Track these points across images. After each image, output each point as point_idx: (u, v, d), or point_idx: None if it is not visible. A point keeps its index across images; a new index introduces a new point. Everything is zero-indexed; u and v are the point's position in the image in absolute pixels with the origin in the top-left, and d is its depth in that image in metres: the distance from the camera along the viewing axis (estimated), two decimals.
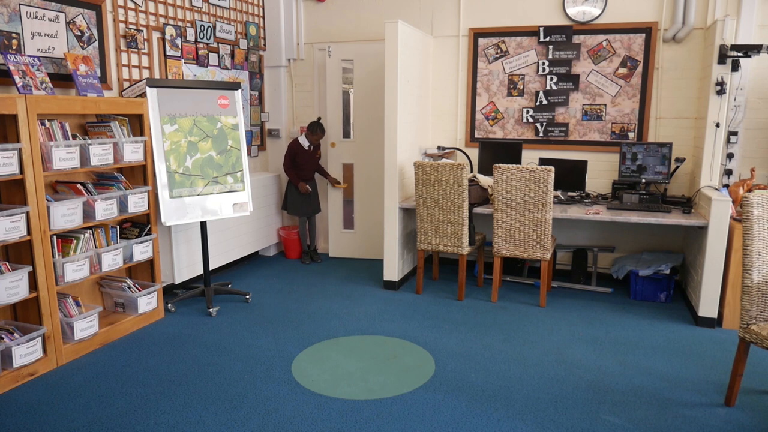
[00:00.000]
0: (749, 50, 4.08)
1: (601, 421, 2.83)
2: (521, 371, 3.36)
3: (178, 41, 4.63)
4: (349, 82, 5.74)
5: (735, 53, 4.16)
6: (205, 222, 4.43)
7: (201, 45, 4.87)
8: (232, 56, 5.28)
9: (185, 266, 4.61)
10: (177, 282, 4.56)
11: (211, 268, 4.69)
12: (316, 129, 5.42)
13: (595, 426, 2.78)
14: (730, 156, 4.60)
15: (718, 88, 4.25)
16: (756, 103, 4.56)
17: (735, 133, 4.55)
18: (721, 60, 4.23)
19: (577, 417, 2.86)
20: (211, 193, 4.31)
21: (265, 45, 5.75)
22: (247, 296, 4.56)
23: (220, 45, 5.10)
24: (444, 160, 4.79)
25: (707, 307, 4.06)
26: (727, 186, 4.52)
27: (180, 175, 4.13)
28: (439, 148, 5.37)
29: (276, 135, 5.90)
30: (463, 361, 3.49)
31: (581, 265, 5.04)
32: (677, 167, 4.73)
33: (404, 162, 4.79)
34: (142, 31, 4.30)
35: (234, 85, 4.50)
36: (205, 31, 4.89)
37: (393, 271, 4.83)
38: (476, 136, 5.39)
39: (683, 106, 4.79)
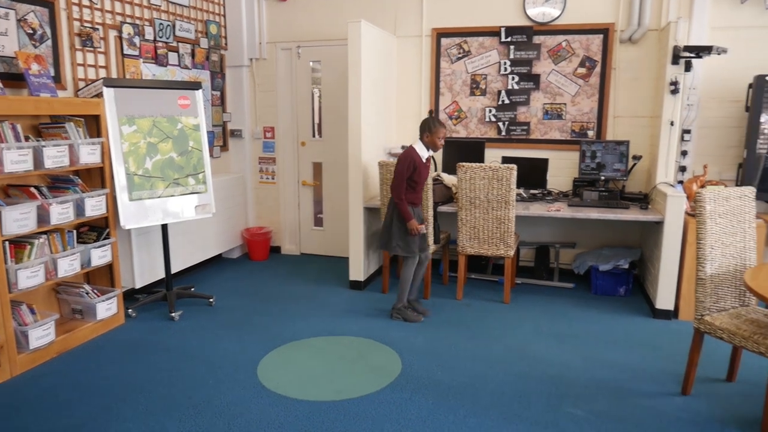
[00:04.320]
0: (701, 51, 4.21)
1: (564, 413, 2.89)
2: (486, 367, 3.40)
3: (136, 40, 4.52)
4: (317, 82, 5.73)
5: (687, 54, 4.29)
6: (166, 225, 4.34)
7: (160, 44, 4.77)
8: (193, 55, 5.19)
9: (146, 270, 4.51)
10: (138, 286, 4.46)
11: (173, 272, 4.60)
12: (436, 126, 3.97)
13: (559, 419, 2.83)
14: (684, 153, 4.74)
15: (672, 87, 4.38)
16: (708, 102, 4.71)
17: (688, 131, 4.70)
18: (675, 60, 4.36)
19: (541, 410, 2.91)
20: (172, 195, 4.23)
21: (226, 44, 5.67)
22: (211, 299, 4.49)
23: (180, 44, 5.00)
24: None
25: (664, 300, 4.19)
26: (681, 182, 4.66)
27: (139, 177, 4.04)
28: (403, 147, 5.38)
29: (239, 135, 5.83)
30: (429, 358, 3.51)
31: (544, 261, 5.13)
32: (634, 164, 4.86)
33: (369, 162, 4.79)
34: (98, 29, 4.19)
35: (195, 85, 4.42)
36: (164, 30, 4.79)
37: (358, 271, 4.83)
38: None
39: (639, 105, 4.93)
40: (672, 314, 4.21)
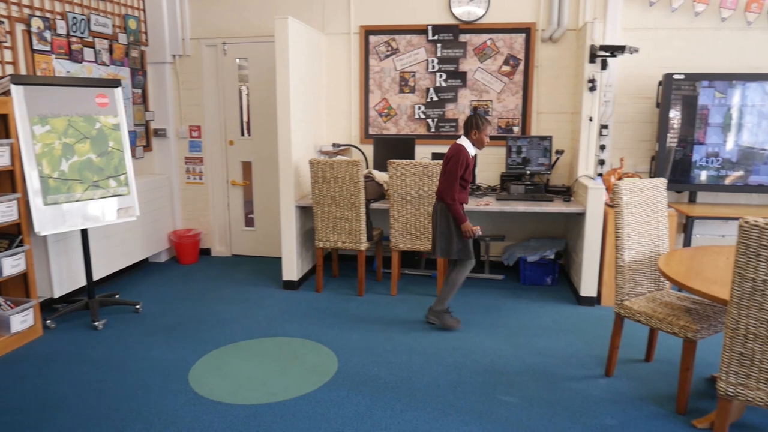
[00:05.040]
0: (615, 50, 4.44)
1: (498, 401, 2.97)
2: (422, 361, 3.45)
3: (47, 34, 4.26)
4: (244, 79, 5.60)
5: (603, 53, 4.51)
6: (86, 230, 4.12)
7: (74, 39, 4.52)
8: (111, 51, 4.95)
9: (65, 278, 4.27)
10: (57, 296, 4.21)
11: (95, 279, 4.38)
12: (484, 123, 3.77)
13: (492, 407, 2.92)
14: (602, 147, 4.98)
15: (590, 85, 4.59)
16: (623, 98, 4.98)
17: (606, 126, 4.94)
18: (592, 59, 4.57)
19: (476, 400, 2.99)
20: (91, 199, 4.02)
21: (147, 40, 5.45)
22: (138, 306, 4.30)
23: (96, 39, 4.75)
24: (339, 157, 4.80)
25: (588, 288, 4.39)
26: (600, 175, 4.90)
27: (55, 180, 3.81)
28: (334, 145, 5.37)
29: (163, 135, 5.62)
30: (365, 355, 3.53)
31: (475, 254, 5.25)
32: (557, 159, 5.07)
33: (299, 160, 4.74)
34: (3, 22, 3.91)
35: (114, 83, 4.22)
36: (78, 24, 4.54)
37: (292, 270, 4.77)
38: (370, 132, 5.44)
39: (561, 101, 5.13)
40: (595, 301, 4.43)
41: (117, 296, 4.54)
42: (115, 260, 4.81)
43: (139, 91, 5.38)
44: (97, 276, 4.52)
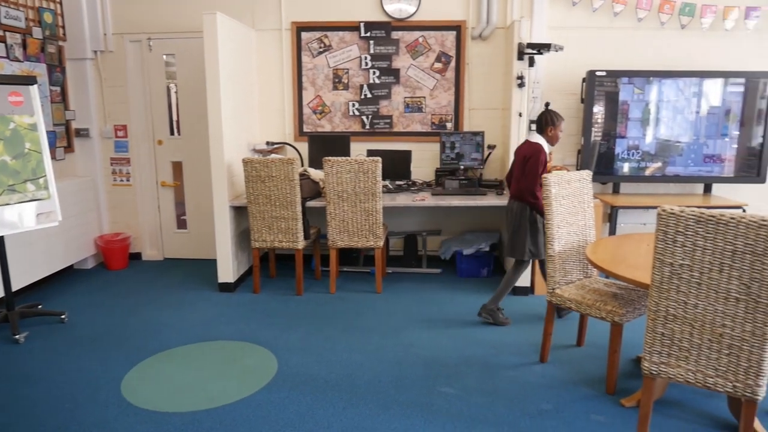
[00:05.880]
0: (541, 48, 4.58)
1: (438, 393, 3.02)
2: (362, 357, 3.45)
3: None
4: (172, 76, 5.41)
5: (530, 51, 4.65)
6: (2, 237, 3.87)
7: None
8: (24, 46, 4.66)
9: None
10: None
11: (14, 289, 4.12)
12: (559, 119, 3.75)
13: (433, 399, 2.96)
14: None
15: (519, 81, 4.73)
16: (550, 95, 5.15)
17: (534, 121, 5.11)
18: (520, 57, 4.70)
19: (417, 393, 3.02)
20: (7, 204, 3.77)
21: (64, 34, 5.16)
22: (63, 316, 4.08)
23: (7, 33, 4.46)
24: (273, 156, 4.73)
25: (521, 278, 4.51)
26: None
27: None
28: (267, 143, 5.28)
29: (85, 135, 5.35)
30: (305, 355, 3.50)
31: (412, 249, 5.32)
32: (489, 153, 5.19)
33: (232, 159, 4.64)
34: None
35: (29, 80, 3.97)
36: None
37: (228, 272, 4.67)
38: (305, 130, 5.39)
39: (491, 97, 5.26)
40: (529, 290, 4.58)
41: (40, 306, 4.29)
42: (36, 268, 4.54)
43: (58, 88, 5.10)
44: (16, 286, 4.26)
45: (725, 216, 2.12)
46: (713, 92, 4.86)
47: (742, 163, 4.94)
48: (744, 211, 4.49)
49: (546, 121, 3.72)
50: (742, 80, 4.83)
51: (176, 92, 5.46)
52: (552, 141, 3.77)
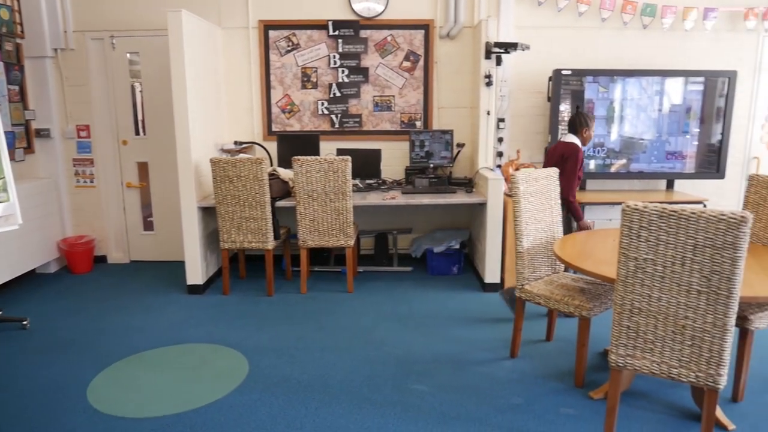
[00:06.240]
0: (508, 47, 4.64)
1: (410, 391, 3.03)
2: (335, 357, 3.44)
3: None
4: (137, 75, 5.30)
5: (497, 50, 4.70)
6: None
7: None
8: None
9: None
10: None
11: None
12: (592, 119, 3.96)
13: (405, 397, 2.97)
14: (500, 140, 5.21)
15: (487, 80, 4.78)
16: (517, 93, 5.22)
17: (503, 120, 5.17)
18: (487, 55, 4.76)
19: (389, 391, 3.03)
20: None
21: (23, 31, 5.01)
22: (25, 322, 3.97)
23: None
24: (242, 156, 4.68)
25: (491, 274, 4.58)
26: (499, 166, 5.11)
27: None
28: (236, 143, 5.22)
29: (46, 135, 5.20)
30: (277, 356, 3.47)
31: (383, 248, 5.33)
32: (459, 152, 5.23)
33: (200, 159, 4.57)
34: None
35: None
36: None
37: (196, 274, 4.60)
38: (273, 129, 5.35)
39: (460, 96, 5.30)
40: (499, 287, 4.63)
41: (0, 312, 4.15)
42: None
43: (16, 87, 4.95)
44: None
45: (686, 211, 2.18)
46: (674, 91, 4.99)
47: (703, 159, 5.08)
48: (704, 206, 4.63)
49: (580, 123, 3.94)
50: (701, 79, 4.97)
51: (141, 91, 5.35)
52: (585, 141, 3.97)
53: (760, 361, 3.34)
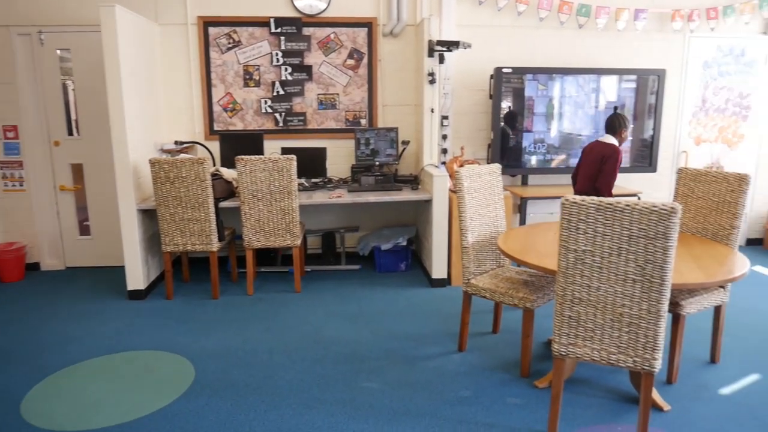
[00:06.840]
0: (450, 46, 4.70)
1: (361, 389, 3.03)
2: (284, 358, 3.41)
3: None
4: (68, 73, 5.06)
5: (440, 48, 4.76)
6: None
7: None
8: None
9: None
10: None
11: None
12: (628, 121, 4.08)
13: (356, 395, 2.97)
14: (444, 137, 5.27)
15: (430, 78, 4.82)
16: (460, 91, 5.30)
17: (447, 117, 5.24)
18: (430, 54, 4.80)
19: (340, 390, 3.02)
20: None
21: None
22: None
23: None
24: (183, 156, 4.55)
25: (438, 270, 4.64)
26: (444, 163, 5.18)
27: None
28: (176, 143, 5.07)
29: None
30: (224, 360, 3.40)
31: (330, 246, 5.30)
32: (404, 149, 5.27)
33: (139, 160, 4.41)
34: None
35: None
36: None
37: (137, 279, 4.44)
38: (215, 128, 5.23)
39: (404, 94, 5.34)
40: (446, 282, 4.69)
41: None
42: None
43: None
44: None
45: (621, 204, 2.28)
46: (609, 88, 5.19)
47: (636, 154, 5.31)
48: (638, 198, 4.84)
49: (619, 124, 4.03)
50: (634, 77, 5.19)
51: (74, 90, 5.12)
52: (622, 142, 4.06)
53: (691, 345, 3.53)
